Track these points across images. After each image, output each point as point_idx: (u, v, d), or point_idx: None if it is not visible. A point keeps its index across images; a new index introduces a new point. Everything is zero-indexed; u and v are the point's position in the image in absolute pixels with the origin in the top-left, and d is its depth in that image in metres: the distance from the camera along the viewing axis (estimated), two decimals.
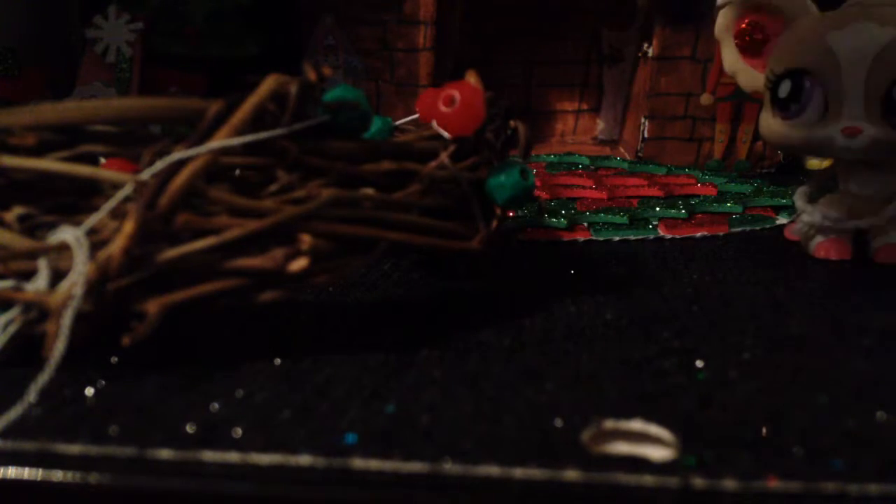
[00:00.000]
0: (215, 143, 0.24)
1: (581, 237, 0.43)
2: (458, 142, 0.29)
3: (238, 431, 0.22)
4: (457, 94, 0.29)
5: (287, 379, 0.25)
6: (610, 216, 0.44)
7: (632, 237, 0.43)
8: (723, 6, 0.40)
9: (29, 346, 0.23)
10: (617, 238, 0.43)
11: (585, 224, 0.43)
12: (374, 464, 0.20)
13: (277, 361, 0.26)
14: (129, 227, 0.23)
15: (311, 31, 0.61)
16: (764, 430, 0.22)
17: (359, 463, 0.20)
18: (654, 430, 0.22)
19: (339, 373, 0.25)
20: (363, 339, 0.28)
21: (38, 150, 0.26)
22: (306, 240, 0.25)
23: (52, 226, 0.25)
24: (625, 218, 0.44)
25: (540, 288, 0.35)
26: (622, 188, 0.51)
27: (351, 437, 0.21)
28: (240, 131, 0.24)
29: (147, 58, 0.63)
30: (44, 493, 0.20)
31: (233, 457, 0.20)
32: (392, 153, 0.28)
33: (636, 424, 0.22)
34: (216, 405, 0.23)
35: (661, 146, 0.60)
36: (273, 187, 0.25)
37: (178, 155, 0.23)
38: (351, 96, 0.26)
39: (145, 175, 0.23)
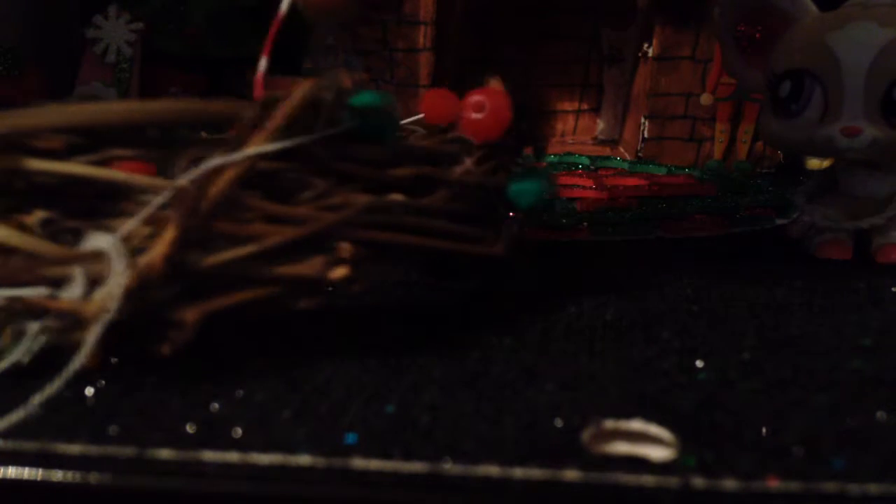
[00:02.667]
0: (252, 149, 0.23)
1: (581, 237, 0.43)
2: (484, 147, 0.29)
3: (238, 431, 0.22)
4: (486, 101, 0.29)
5: (287, 379, 0.25)
6: (610, 216, 0.44)
7: (632, 237, 0.43)
8: (723, 6, 0.40)
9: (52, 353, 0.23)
10: (617, 238, 0.43)
11: (585, 224, 0.43)
12: (374, 464, 0.20)
13: (277, 361, 0.26)
14: (170, 233, 0.22)
15: (311, 31, 0.61)
16: (764, 430, 0.22)
17: (359, 463, 0.20)
18: (654, 430, 0.22)
19: (339, 373, 0.25)
20: (363, 339, 0.28)
21: (65, 154, 0.25)
22: (346, 247, 0.24)
23: (76, 231, 0.24)
24: (625, 218, 0.44)
25: (540, 288, 0.35)
26: (622, 188, 0.51)
27: (351, 437, 0.21)
28: (275, 137, 0.24)
29: (147, 58, 0.63)
30: (44, 493, 0.20)
31: (233, 457, 0.20)
32: (418, 158, 0.28)
33: (636, 424, 0.22)
34: (216, 405, 0.23)
35: (661, 146, 0.60)
36: (308, 194, 0.25)
37: (215, 161, 0.23)
38: (379, 101, 0.26)
39: (183, 181, 0.23)
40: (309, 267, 0.24)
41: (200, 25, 0.64)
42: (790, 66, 0.36)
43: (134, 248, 0.23)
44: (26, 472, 0.20)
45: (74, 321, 0.22)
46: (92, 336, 0.21)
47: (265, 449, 0.21)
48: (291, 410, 0.23)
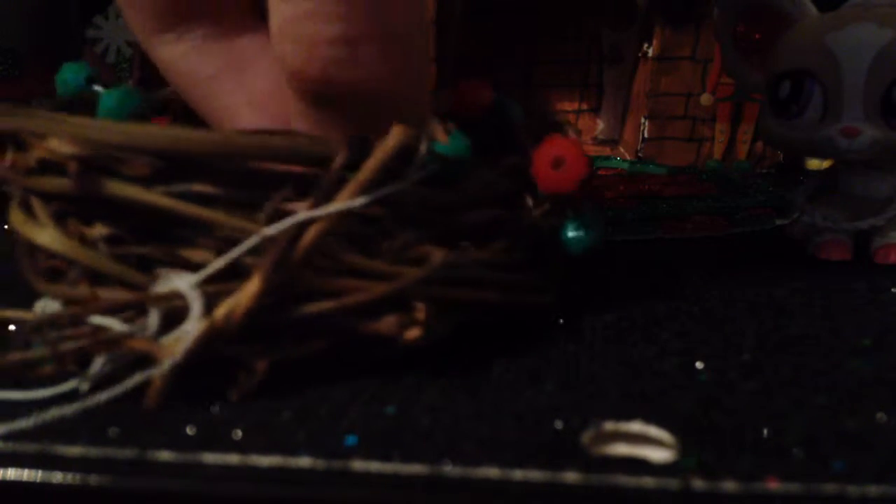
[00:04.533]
0: (343, 203, 0.22)
1: None
2: (552, 199, 0.28)
3: (238, 433, 0.22)
4: (565, 157, 0.27)
5: (287, 380, 0.25)
6: (610, 216, 0.44)
7: (632, 237, 0.43)
8: (723, 6, 0.40)
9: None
10: (617, 238, 0.43)
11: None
12: (374, 465, 0.20)
13: (277, 363, 0.26)
14: (255, 286, 0.22)
15: None
16: (764, 431, 0.22)
17: (359, 465, 0.20)
18: (654, 431, 0.22)
19: (339, 374, 0.25)
20: (363, 340, 0.28)
21: (149, 181, 0.23)
22: (422, 309, 0.24)
23: (144, 258, 0.23)
24: (625, 218, 0.44)
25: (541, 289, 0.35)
26: (622, 188, 0.51)
27: (351, 439, 0.21)
28: (366, 189, 0.23)
29: (147, 58, 0.63)
30: (43, 495, 0.20)
31: (233, 458, 0.20)
32: (483, 201, 0.26)
33: (636, 426, 0.22)
34: (216, 407, 0.23)
35: (661, 146, 0.60)
36: (387, 244, 0.24)
37: (307, 213, 0.22)
38: (462, 147, 0.25)
39: (273, 230, 0.22)
40: (384, 325, 0.24)
41: None
42: (790, 66, 0.36)
43: (208, 292, 0.22)
44: (26, 474, 0.20)
45: (149, 367, 0.22)
46: (159, 379, 0.21)
47: (265, 451, 0.21)
48: (291, 412, 0.23)
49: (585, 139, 0.68)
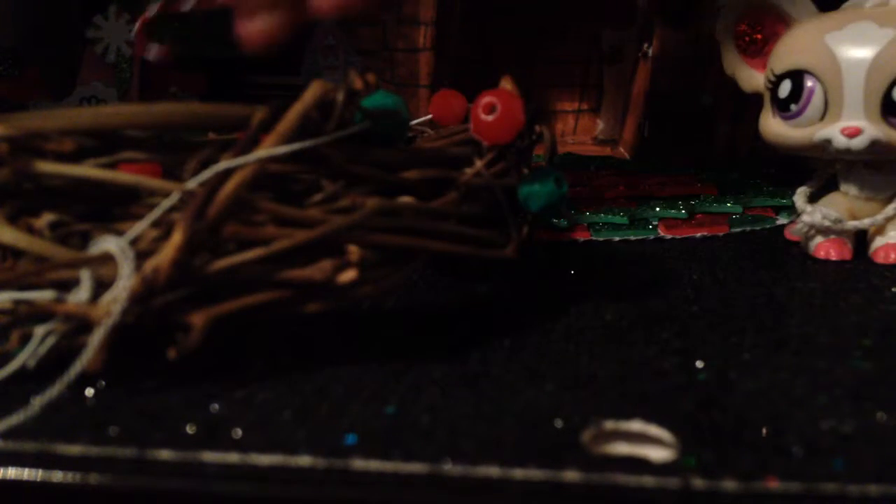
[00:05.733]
0: (262, 151, 0.23)
1: (581, 237, 0.43)
2: (495, 149, 0.29)
3: (238, 432, 0.22)
4: (497, 102, 0.28)
5: (287, 379, 0.25)
6: (610, 216, 0.44)
7: (632, 237, 0.43)
8: (723, 6, 0.40)
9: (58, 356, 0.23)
10: (617, 238, 0.43)
11: (585, 224, 0.43)
12: (374, 464, 0.20)
13: (277, 362, 0.26)
14: (177, 237, 0.22)
15: (312, 31, 0.61)
16: (764, 431, 0.22)
17: (359, 463, 0.20)
18: (654, 430, 0.22)
19: (339, 373, 0.25)
20: (363, 339, 0.28)
21: (76, 157, 0.24)
22: (355, 251, 0.24)
23: (84, 234, 0.24)
24: (625, 218, 0.44)
25: (540, 288, 0.35)
26: (622, 188, 0.51)
27: (351, 438, 0.21)
28: (286, 139, 0.23)
29: (147, 58, 0.63)
30: (44, 494, 0.20)
31: (233, 457, 0.20)
32: (428, 160, 0.27)
33: (636, 425, 0.22)
34: (216, 406, 0.23)
35: (661, 146, 0.60)
36: (317, 197, 0.25)
37: (224, 164, 0.23)
38: (390, 103, 0.26)
39: (192, 184, 0.23)
40: (317, 271, 0.24)
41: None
42: (790, 66, 0.36)
43: (142, 252, 0.23)
44: (26, 473, 0.20)
45: (81, 325, 0.22)
46: (96, 339, 0.21)
47: (265, 450, 0.21)
48: (291, 411, 0.23)
49: (585, 139, 0.68)
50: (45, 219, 0.24)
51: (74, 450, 0.21)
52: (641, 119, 0.60)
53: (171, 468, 0.20)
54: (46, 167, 0.24)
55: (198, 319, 0.23)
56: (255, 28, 0.28)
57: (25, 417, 0.21)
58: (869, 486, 0.19)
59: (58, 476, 0.20)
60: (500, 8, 0.65)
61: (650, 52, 0.59)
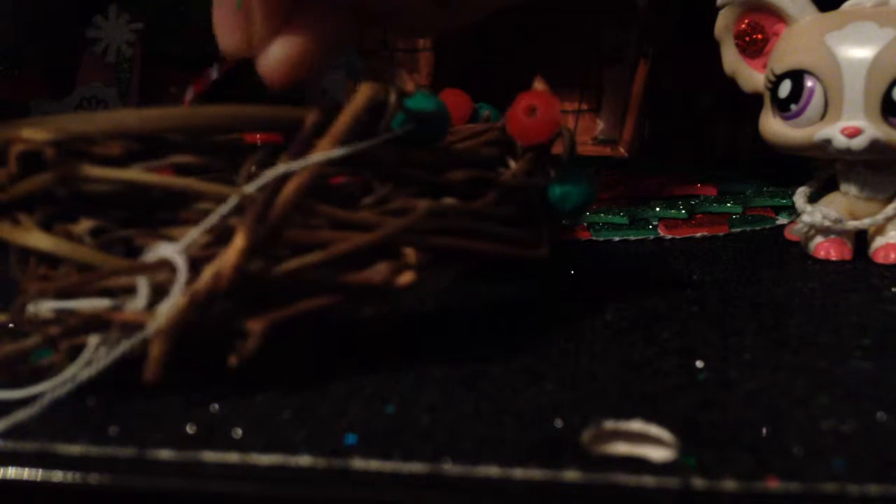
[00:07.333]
0: (319, 154, 0.23)
1: (581, 237, 0.43)
2: (532, 150, 0.29)
3: (238, 432, 0.22)
4: (538, 104, 0.29)
5: (287, 379, 0.25)
6: (610, 216, 0.44)
7: (632, 237, 0.43)
8: (723, 6, 0.40)
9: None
10: (617, 238, 0.43)
11: (585, 224, 0.43)
12: (373, 464, 0.20)
13: (277, 362, 0.26)
14: (240, 241, 0.22)
15: None
16: (764, 431, 0.22)
17: (359, 463, 0.20)
18: (654, 430, 0.22)
19: (339, 373, 0.25)
20: (363, 340, 0.28)
21: (123, 161, 0.24)
22: (411, 253, 0.24)
23: (126, 240, 0.24)
24: (625, 218, 0.44)
25: (540, 288, 0.35)
26: (622, 188, 0.51)
27: (351, 438, 0.21)
28: (340, 142, 0.23)
29: (147, 58, 0.63)
30: (43, 494, 0.20)
31: (233, 457, 0.20)
32: (465, 161, 0.28)
33: (636, 425, 0.22)
34: (216, 405, 0.23)
35: (661, 146, 0.60)
36: (368, 199, 0.25)
37: (283, 167, 0.22)
38: (432, 105, 0.26)
39: (250, 188, 0.23)
40: (376, 273, 0.24)
41: (200, 25, 0.64)
42: (790, 66, 0.36)
43: (193, 259, 0.22)
44: (26, 473, 0.20)
45: (139, 334, 0.21)
46: (157, 349, 0.21)
47: (265, 449, 0.21)
48: (291, 411, 0.23)
49: (585, 139, 0.68)
50: (84, 225, 0.24)
51: (74, 450, 0.21)
52: (641, 119, 0.60)
53: (171, 468, 0.20)
54: (95, 171, 0.23)
55: (256, 325, 0.22)
56: (273, 59, 0.28)
57: (25, 417, 0.21)
58: (869, 486, 0.19)
59: (58, 476, 0.20)
60: (500, 8, 0.65)
61: (650, 52, 0.59)
